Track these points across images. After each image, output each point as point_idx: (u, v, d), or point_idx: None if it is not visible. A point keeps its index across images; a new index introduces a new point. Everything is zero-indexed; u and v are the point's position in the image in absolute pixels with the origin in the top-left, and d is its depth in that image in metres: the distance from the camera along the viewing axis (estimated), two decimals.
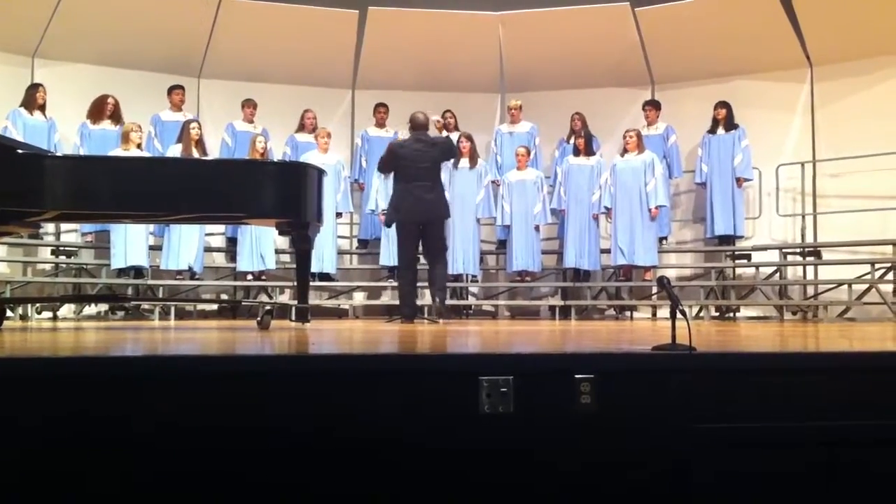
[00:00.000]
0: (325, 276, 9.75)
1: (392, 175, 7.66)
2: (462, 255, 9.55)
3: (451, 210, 7.84)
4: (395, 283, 9.62)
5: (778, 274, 9.71)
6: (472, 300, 10.33)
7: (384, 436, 2.50)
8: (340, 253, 10.30)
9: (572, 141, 10.18)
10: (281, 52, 10.42)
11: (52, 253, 9.38)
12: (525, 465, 2.52)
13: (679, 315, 2.85)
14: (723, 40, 9.99)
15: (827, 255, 9.50)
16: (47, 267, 9.45)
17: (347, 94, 11.16)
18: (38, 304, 8.68)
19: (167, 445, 2.41)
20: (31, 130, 8.90)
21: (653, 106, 10.25)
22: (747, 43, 9.93)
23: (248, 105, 10.01)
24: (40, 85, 9.22)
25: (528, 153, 9.99)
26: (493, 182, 10.02)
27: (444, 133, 8.02)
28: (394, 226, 7.57)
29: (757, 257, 9.78)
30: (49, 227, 9.25)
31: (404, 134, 9.40)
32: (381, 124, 10.51)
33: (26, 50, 9.65)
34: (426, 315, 7.61)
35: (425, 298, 7.66)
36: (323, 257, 9.39)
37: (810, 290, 9.61)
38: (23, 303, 8.43)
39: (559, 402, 2.54)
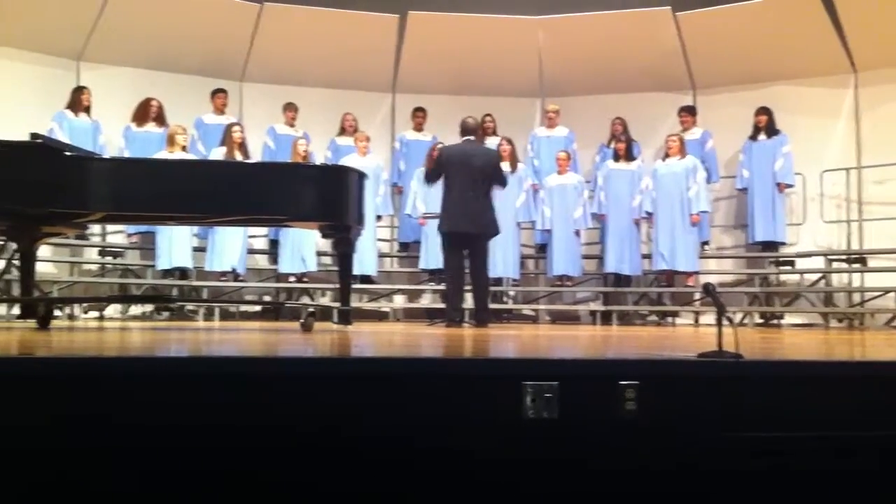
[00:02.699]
0: (365, 279, 9.80)
1: (435, 181, 7.61)
2: (502, 258, 9.53)
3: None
4: (436, 287, 9.68)
5: (823, 281, 9.58)
6: (511, 304, 10.31)
7: (427, 440, 2.51)
8: (381, 256, 10.34)
9: (612, 145, 10.14)
10: (322, 57, 10.49)
11: (99, 254, 9.52)
12: (570, 471, 2.51)
13: (725, 322, 2.82)
14: (765, 45, 9.90)
15: (872, 262, 9.37)
16: (94, 267, 9.59)
17: (387, 98, 11.21)
18: (84, 304, 8.81)
19: (213, 444, 2.43)
20: (76, 132, 9.03)
21: (688, 112, 10.17)
22: (790, 48, 9.83)
23: (290, 108, 10.09)
24: (85, 87, 9.36)
25: (569, 158, 9.97)
26: (532, 186, 10.01)
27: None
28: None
29: (801, 264, 9.67)
30: (95, 229, 9.39)
31: (443, 138, 9.43)
32: (419, 128, 10.54)
33: (72, 53, 9.81)
34: (468, 319, 7.60)
35: (468, 302, 7.64)
36: (363, 260, 9.42)
37: (856, 298, 9.48)
38: (70, 303, 8.56)
39: (604, 407, 2.53)
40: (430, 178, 7.72)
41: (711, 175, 9.97)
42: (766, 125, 9.71)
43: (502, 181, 7.62)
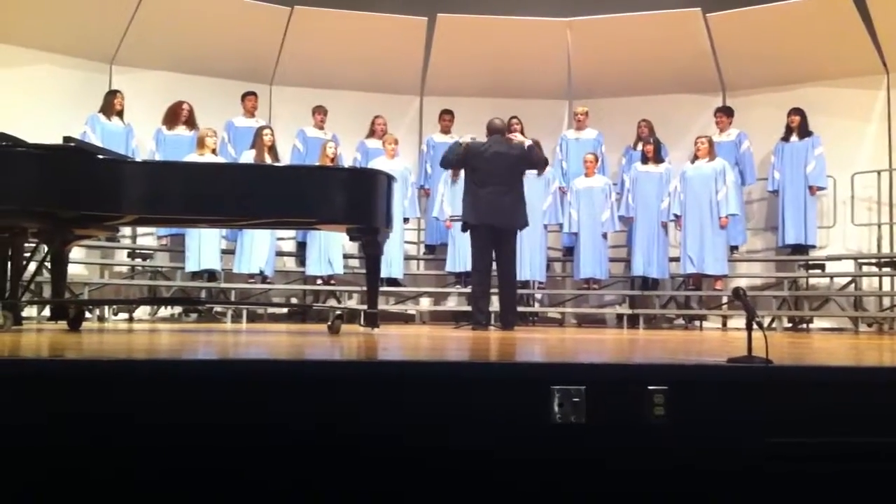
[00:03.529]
0: (392, 281, 9.82)
1: (458, 180, 7.64)
2: (529, 261, 9.52)
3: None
4: (462, 289, 9.69)
5: (853, 285, 9.49)
6: (538, 307, 10.30)
7: (454, 445, 2.51)
8: (407, 258, 10.36)
9: (639, 148, 10.09)
10: (351, 59, 10.53)
11: (129, 256, 9.61)
12: (598, 476, 2.51)
13: (755, 327, 2.80)
14: (796, 46, 9.81)
15: None
16: (124, 269, 9.68)
17: (416, 101, 11.22)
18: (114, 306, 8.90)
19: (241, 445, 2.45)
20: (108, 136, 9.13)
21: (724, 113, 10.09)
22: (821, 49, 9.73)
23: (319, 111, 10.13)
24: (118, 91, 9.45)
25: (597, 160, 9.94)
26: (559, 188, 9.99)
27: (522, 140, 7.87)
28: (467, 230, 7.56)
29: (831, 267, 9.58)
30: (125, 231, 9.47)
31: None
32: (446, 131, 10.53)
33: (104, 57, 9.90)
34: (494, 322, 7.60)
35: (495, 305, 7.65)
36: (390, 262, 9.43)
37: (886, 302, 9.38)
38: (100, 304, 8.65)
39: (632, 412, 2.52)
40: (448, 162, 7.78)
41: (747, 177, 9.88)
42: (798, 126, 9.62)
43: (541, 165, 7.73)
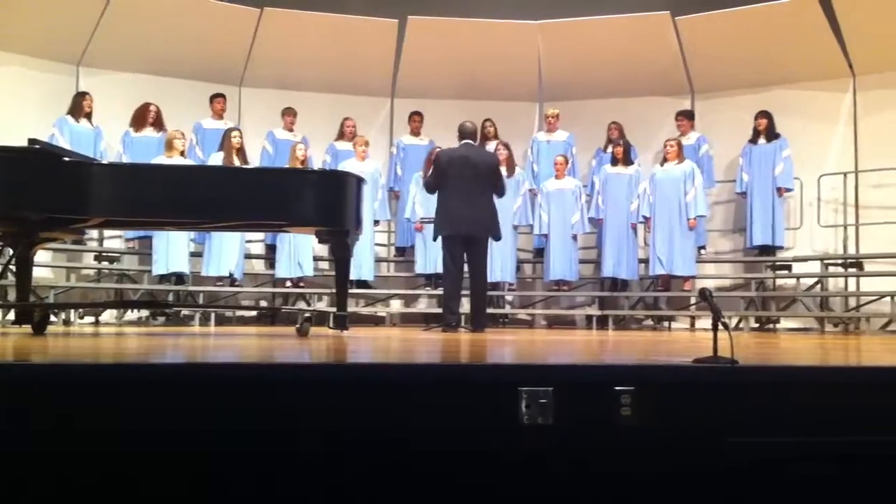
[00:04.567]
0: (362, 284, 9.80)
1: (437, 188, 7.56)
2: (499, 263, 9.54)
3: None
4: (433, 291, 9.69)
5: (819, 285, 9.59)
6: (508, 309, 10.31)
7: (423, 447, 2.51)
8: (377, 260, 10.34)
9: (609, 150, 10.14)
10: (321, 61, 10.50)
11: (96, 259, 9.51)
12: (565, 477, 2.52)
13: (721, 327, 2.82)
14: (764, 49, 9.91)
15: (869, 266, 9.37)
16: (90, 272, 9.58)
17: (386, 103, 11.21)
18: (80, 309, 8.81)
19: (208, 450, 2.43)
20: (77, 138, 9.03)
21: (685, 116, 10.16)
22: (789, 52, 9.84)
23: (289, 113, 10.09)
24: (87, 93, 9.36)
25: (567, 162, 9.98)
26: (529, 190, 10.02)
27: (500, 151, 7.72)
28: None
29: (798, 268, 9.67)
30: (92, 234, 9.36)
31: (442, 142, 9.43)
32: (415, 132, 10.55)
33: (71, 58, 9.80)
34: (464, 324, 7.61)
35: (465, 307, 7.66)
36: (360, 264, 9.42)
37: (852, 302, 9.49)
38: (66, 308, 8.55)
39: (599, 413, 2.53)
40: (431, 186, 7.62)
41: (704, 181, 9.93)
42: (766, 129, 9.71)
43: (501, 190, 7.58)
